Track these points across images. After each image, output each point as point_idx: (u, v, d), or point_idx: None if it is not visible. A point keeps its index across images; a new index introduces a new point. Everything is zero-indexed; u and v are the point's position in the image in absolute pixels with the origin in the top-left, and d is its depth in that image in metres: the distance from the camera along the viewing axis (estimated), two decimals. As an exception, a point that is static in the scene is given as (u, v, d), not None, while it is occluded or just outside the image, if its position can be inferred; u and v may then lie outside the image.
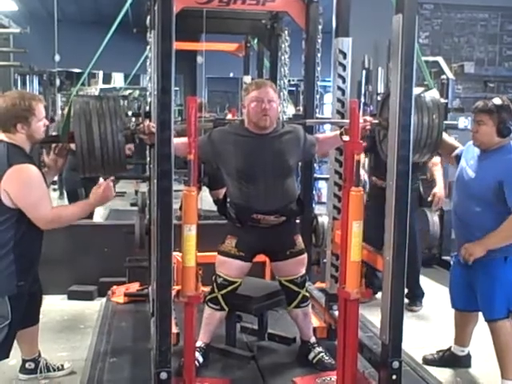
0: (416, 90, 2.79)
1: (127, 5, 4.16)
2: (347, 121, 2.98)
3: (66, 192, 6.70)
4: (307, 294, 3.24)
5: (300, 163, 3.61)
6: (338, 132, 3.14)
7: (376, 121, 3.04)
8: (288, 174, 3.13)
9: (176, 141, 2.51)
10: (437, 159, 4.62)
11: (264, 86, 3.02)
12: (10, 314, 2.73)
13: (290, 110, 6.13)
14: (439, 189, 4.37)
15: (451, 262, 3.61)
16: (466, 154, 3.24)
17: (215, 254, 3.18)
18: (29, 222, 2.77)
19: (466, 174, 3.17)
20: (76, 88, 7.78)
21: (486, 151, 3.09)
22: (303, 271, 3.20)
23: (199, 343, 3.09)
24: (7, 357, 2.88)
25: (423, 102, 2.91)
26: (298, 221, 3.42)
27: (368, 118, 3.02)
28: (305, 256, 3.24)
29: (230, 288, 3.08)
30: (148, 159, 3.74)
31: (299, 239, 3.23)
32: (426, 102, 2.92)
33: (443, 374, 3.39)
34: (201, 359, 3.07)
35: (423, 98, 2.93)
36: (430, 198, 4.38)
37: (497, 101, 3.04)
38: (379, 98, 7.48)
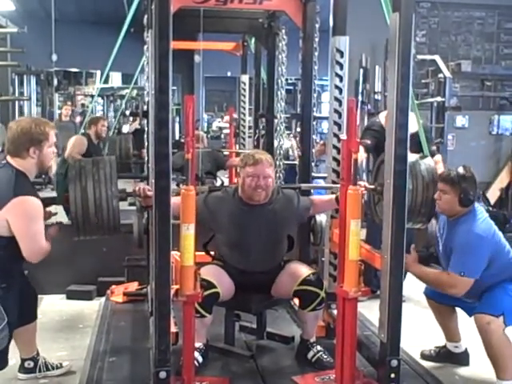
0: (412, 157, 2.87)
1: (134, 5, 4.16)
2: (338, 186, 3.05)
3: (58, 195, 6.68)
4: (325, 296, 3.11)
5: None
6: (333, 196, 3.19)
7: (371, 186, 3.07)
8: (280, 242, 3.22)
9: (172, 200, 2.51)
10: (438, 157, 4.64)
11: (261, 163, 3.03)
12: (5, 314, 2.73)
13: (286, 144, 6.16)
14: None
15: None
16: (439, 220, 3.36)
17: (213, 253, 3.20)
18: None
19: (439, 244, 3.34)
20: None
21: (452, 220, 3.19)
22: (310, 269, 3.16)
23: (197, 344, 3.07)
24: (7, 364, 2.91)
25: (418, 170, 3.01)
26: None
27: (363, 183, 3.03)
28: (294, 261, 3.27)
29: (208, 292, 2.85)
30: (146, 159, 3.74)
31: (283, 258, 3.26)
32: (421, 170, 3.03)
33: (442, 371, 3.40)
34: (200, 359, 3.07)
35: (418, 166, 3.03)
36: None
37: (460, 170, 3.13)
38: (377, 97, 7.50)
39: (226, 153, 6.89)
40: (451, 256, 3.13)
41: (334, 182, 3.42)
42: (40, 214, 2.80)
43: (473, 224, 3.11)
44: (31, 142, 2.82)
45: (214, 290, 2.96)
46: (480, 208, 3.24)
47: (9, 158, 2.85)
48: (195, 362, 2.86)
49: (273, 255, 3.20)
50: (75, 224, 2.89)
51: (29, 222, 2.76)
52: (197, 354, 2.99)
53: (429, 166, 3.07)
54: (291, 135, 7.91)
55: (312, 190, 3.67)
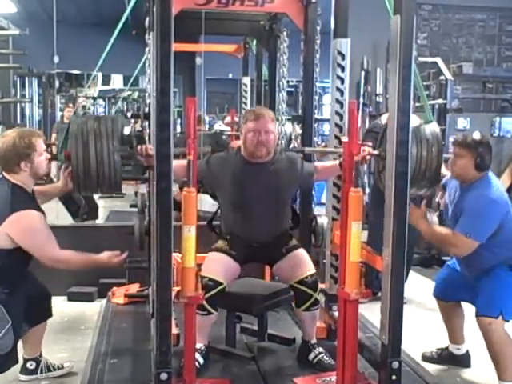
0: (415, 122, 2.83)
1: (130, 6, 4.16)
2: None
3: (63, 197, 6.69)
4: (319, 298, 3.16)
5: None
6: (337, 162, 3.17)
7: (376, 152, 3.06)
8: (283, 205, 3.18)
9: (175, 163, 2.50)
10: None
11: (262, 117, 3.01)
12: (9, 317, 2.74)
13: (288, 128, 6.17)
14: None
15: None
16: (449, 187, 3.32)
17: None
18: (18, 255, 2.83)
19: (448, 210, 3.28)
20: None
21: (465, 185, 3.15)
22: (311, 269, 3.15)
23: (198, 345, 3.07)
24: (16, 362, 2.95)
25: (422, 134, 2.94)
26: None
27: (367, 148, 3.02)
28: (302, 251, 3.23)
29: (215, 291, 2.94)
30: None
31: (291, 238, 3.25)
32: (426, 134, 2.95)
33: (443, 373, 3.40)
34: (201, 360, 3.07)
35: (423, 131, 2.96)
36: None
37: (476, 136, 3.11)
38: (378, 99, 7.50)
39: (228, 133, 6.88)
40: (460, 218, 3.09)
41: (334, 184, 3.42)
42: (41, 224, 2.83)
43: (486, 189, 3.07)
44: (19, 156, 2.84)
45: (219, 288, 2.97)
46: (494, 176, 3.19)
47: (4, 173, 2.89)
48: (196, 364, 2.87)
49: (275, 220, 3.15)
50: (76, 179, 2.84)
51: (32, 236, 2.81)
52: (198, 356, 2.99)
53: (433, 130, 3.00)
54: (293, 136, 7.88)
55: (315, 156, 3.64)
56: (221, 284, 2.99)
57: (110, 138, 2.82)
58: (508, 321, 3.05)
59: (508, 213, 3.11)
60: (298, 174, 3.18)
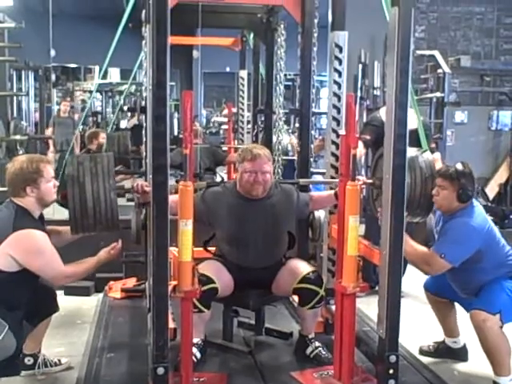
0: (411, 152, 2.86)
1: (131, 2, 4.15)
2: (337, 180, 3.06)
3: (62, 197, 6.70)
4: (324, 294, 3.12)
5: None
6: (332, 192, 3.19)
7: (370, 181, 3.06)
8: (279, 237, 3.20)
9: (170, 198, 2.48)
10: (437, 155, 4.64)
11: (259, 158, 3.02)
12: (4, 321, 2.74)
13: (285, 140, 6.16)
14: None
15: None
16: (436, 214, 3.34)
17: (211, 248, 3.19)
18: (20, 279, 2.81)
19: (435, 240, 3.29)
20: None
21: (447, 215, 3.17)
22: (310, 267, 3.14)
23: (195, 340, 3.05)
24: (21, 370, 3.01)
25: (416, 163, 2.99)
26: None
27: (361, 178, 3.02)
28: (295, 258, 3.26)
29: (206, 287, 2.86)
30: (144, 154, 3.74)
31: (285, 256, 3.26)
32: (420, 163, 3.00)
33: (440, 367, 3.40)
34: (198, 355, 3.06)
35: (417, 159, 3.00)
36: None
37: (459, 167, 3.13)
38: (376, 93, 7.48)
39: (224, 148, 6.88)
40: (439, 238, 3.16)
41: (332, 178, 3.41)
42: (44, 243, 2.81)
43: (468, 217, 3.11)
44: (25, 181, 2.84)
45: (212, 286, 2.95)
46: (478, 205, 3.23)
47: (11, 197, 2.89)
48: (193, 358, 2.86)
49: (272, 251, 3.18)
50: (73, 219, 2.88)
51: (37, 256, 2.79)
52: (195, 350, 2.98)
53: (427, 159, 3.06)
54: (290, 130, 7.89)
55: (311, 186, 3.66)
56: (213, 282, 2.96)
57: (107, 177, 2.86)
58: (504, 323, 3.04)
59: (490, 240, 3.14)
60: (295, 206, 3.21)
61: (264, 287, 3.18)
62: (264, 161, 3.04)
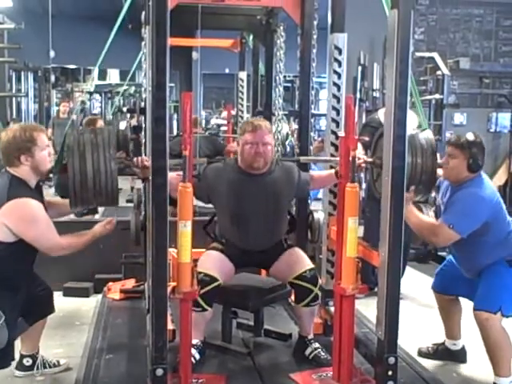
0: (411, 130, 2.85)
1: (127, 3, 4.15)
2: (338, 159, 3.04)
3: (61, 197, 6.68)
4: (319, 293, 3.14)
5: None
6: (332, 171, 3.17)
7: (370, 159, 3.04)
8: (280, 214, 3.19)
9: (169, 175, 2.48)
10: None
11: (259, 129, 3.00)
12: (2, 312, 2.73)
13: (285, 129, 6.14)
14: None
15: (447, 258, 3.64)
16: (442, 188, 3.31)
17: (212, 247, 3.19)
18: (19, 250, 2.79)
19: (441, 211, 3.27)
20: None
21: (456, 186, 3.14)
22: (310, 264, 3.14)
23: (194, 341, 3.05)
24: (13, 359, 2.94)
25: (417, 140, 2.94)
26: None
27: (362, 155, 3.02)
28: (298, 249, 3.23)
29: (210, 286, 2.92)
30: (143, 156, 3.73)
31: (286, 241, 3.25)
32: (420, 139, 2.95)
33: (439, 368, 3.40)
34: (197, 356, 3.06)
35: (417, 137, 2.96)
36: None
37: (470, 136, 3.10)
38: (375, 94, 7.49)
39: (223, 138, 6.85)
40: (447, 209, 3.11)
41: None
42: (39, 212, 2.79)
43: (477, 187, 3.06)
44: (19, 150, 2.81)
45: (215, 284, 2.96)
46: (486, 177, 3.18)
47: (6, 167, 2.87)
48: (192, 359, 2.86)
49: (272, 229, 3.16)
50: (72, 192, 2.79)
51: (32, 225, 2.77)
52: (194, 351, 2.98)
53: (427, 137, 3.00)
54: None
55: (312, 165, 3.62)
56: (216, 280, 2.98)
57: (107, 147, 2.81)
58: (507, 317, 3.05)
59: (498, 213, 3.11)
60: (295, 184, 3.19)
61: (264, 267, 3.24)
62: (265, 132, 3.01)
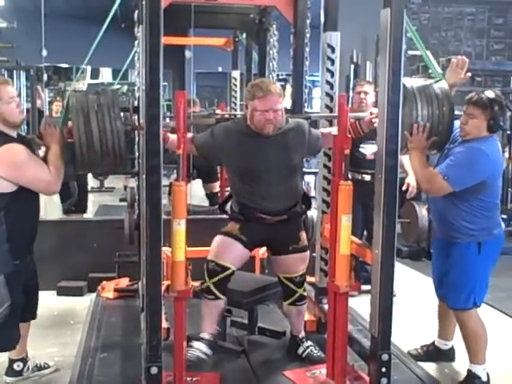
0: (426, 81, 2.85)
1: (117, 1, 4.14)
2: (365, 114, 3.03)
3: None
4: (305, 294, 3.16)
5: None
6: None
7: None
8: (293, 173, 3.06)
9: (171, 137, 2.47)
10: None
11: (270, 94, 2.85)
12: (9, 295, 2.71)
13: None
14: (411, 179, 4.31)
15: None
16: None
17: (205, 248, 3.18)
18: (21, 200, 2.77)
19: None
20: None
21: (466, 140, 3.02)
22: (303, 269, 3.13)
23: (206, 335, 2.98)
24: (14, 347, 2.92)
25: (432, 92, 2.86)
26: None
27: (375, 110, 2.90)
28: (307, 254, 3.17)
29: (221, 275, 2.92)
30: (137, 154, 3.74)
31: (303, 236, 3.16)
32: (435, 89, 2.87)
33: (431, 365, 3.41)
34: (209, 351, 2.96)
35: (432, 88, 2.88)
36: (404, 188, 4.33)
37: (490, 94, 2.96)
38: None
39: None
40: (446, 160, 3.00)
41: (324, 178, 3.43)
42: (24, 154, 2.76)
43: (483, 144, 2.95)
44: None
45: (227, 273, 2.94)
46: (497, 139, 3.08)
47: None
48: (204, 356, 2.88)
49: (286, 189, 3.03)
50: (79, 155, 2.74)
51: (20, 168, 2.74)
52: (204, 347, 2.93)
53: (443, 87, 2.91)
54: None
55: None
56: (228, 268, 2.94)
57: (112, 107, 2.75)
58: (480, 305, 3.09)
59: (495, 178, 3.02)
60: (306, 140, 3.07)
61: (273, 250, 3.15)
62: (276, 98, 2.87)
